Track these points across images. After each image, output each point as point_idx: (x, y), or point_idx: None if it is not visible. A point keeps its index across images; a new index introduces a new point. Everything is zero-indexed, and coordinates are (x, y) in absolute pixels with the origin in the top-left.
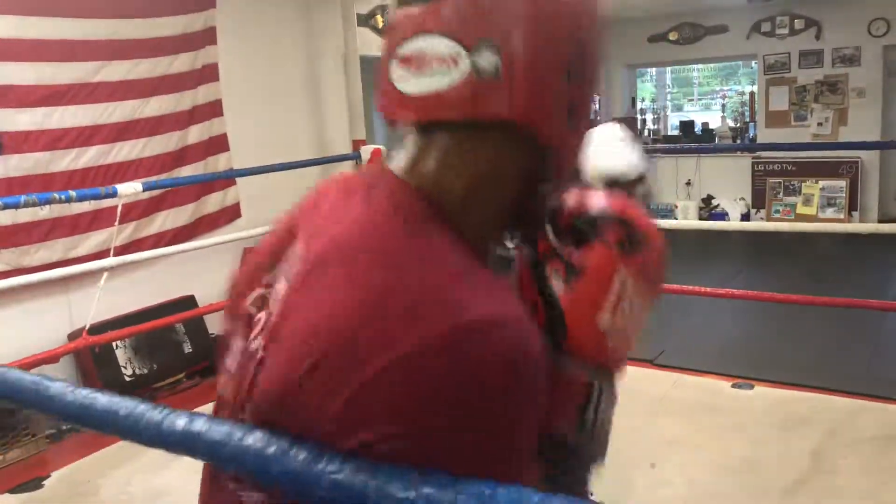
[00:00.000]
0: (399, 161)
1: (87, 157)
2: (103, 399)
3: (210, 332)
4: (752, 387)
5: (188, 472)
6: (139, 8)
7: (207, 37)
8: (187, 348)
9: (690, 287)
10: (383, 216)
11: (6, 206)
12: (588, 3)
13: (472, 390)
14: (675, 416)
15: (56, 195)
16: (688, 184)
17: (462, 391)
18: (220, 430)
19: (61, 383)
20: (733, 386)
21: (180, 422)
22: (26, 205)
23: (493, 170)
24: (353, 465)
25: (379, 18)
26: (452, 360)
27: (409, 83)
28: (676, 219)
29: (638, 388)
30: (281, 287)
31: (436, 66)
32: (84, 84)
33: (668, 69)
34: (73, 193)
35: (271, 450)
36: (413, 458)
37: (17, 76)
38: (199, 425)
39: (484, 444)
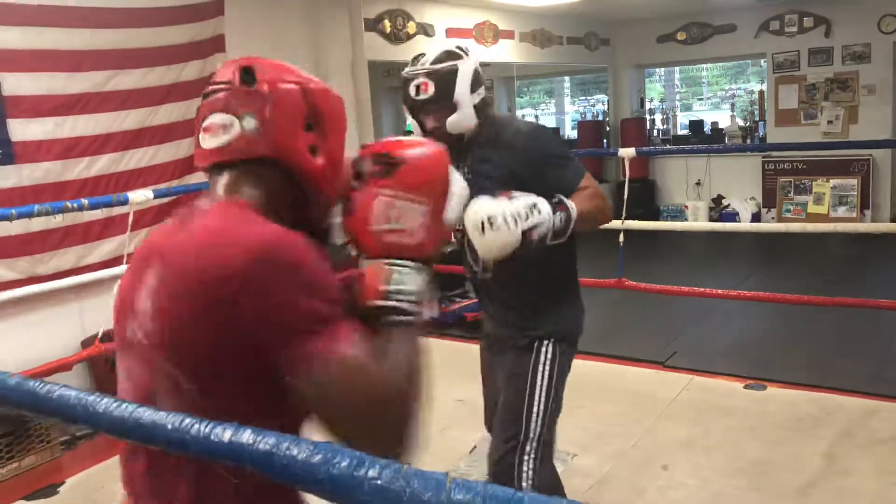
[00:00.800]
0: (218, 192)
1: (99, 165)
2: (150, 413)
3: None
4: (764, 388)
5: None
6: (149, 17)
7: (216, 44)
8: None
9: (702, 289)
10: (222, 208)
11: (20, 216)
12: (315, 82)
13: (274, 265)
14: (687, 418)
15: (69, 203)
16: (698, 184)
17: (270, 266)
18: (267, 441)
19: (109, 398)
20: (746, 387)
21: (227, 433)
22: (39, 214)
23: (273, 188)
24: (389, 472)
25: (386, 23)
26: (257, 251)
27: (208, 141)
28: (687, 219)
29: (649, 391)
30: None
31: (221, 130)
32: (95, 93)
33: (677, 69)
34: (85, 202)
35: (316, 458)
36: (258, 307)
37: (29, 86)
38: (246, 436)
39: (290, 291)
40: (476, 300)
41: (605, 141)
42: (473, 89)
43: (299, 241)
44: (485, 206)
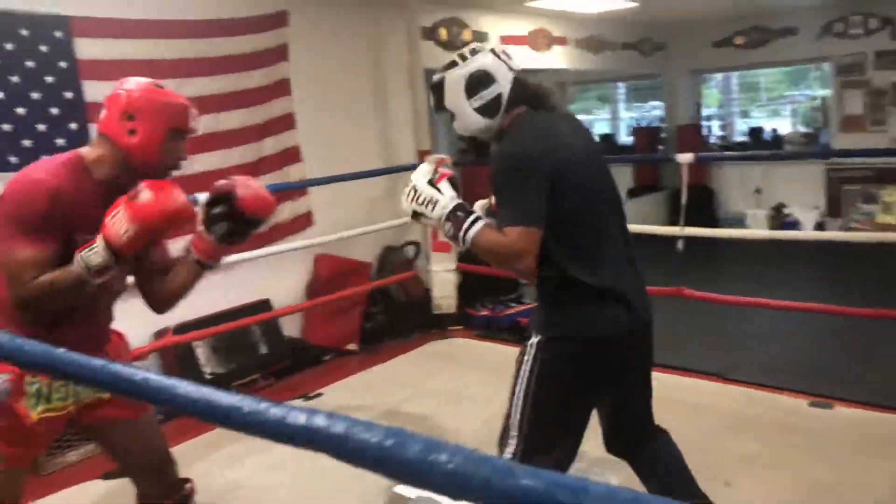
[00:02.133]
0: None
1: None
2: (227, 397)
3: (284, 334)
4: (831, 406)
5: (260, 469)
6: (217, 28)
7: (280, 53)
8: (263, 349)
9: (764, 299)
10: (53, 157)
11: None
12: (141, 90)
13: (20, 199)
14: (749, 434)
15: None
16: (757, 192)
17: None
18: (341, 425)
19: (187, 382)
20: (811, 405)
21: (301, 417)
22: None
23: (102, 151)
24: (461, 457)
25: (442, 31)
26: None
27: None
28: (748, 227)
29: (709, 403)
30: None
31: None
32: None
33: (734, 74)
34: None
35: (389, 443)
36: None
37: (105, 95)
38: (320, 421)
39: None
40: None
41: (661, 148)
42: (471, 94)
43: (39, 185)
44: (416, 175)
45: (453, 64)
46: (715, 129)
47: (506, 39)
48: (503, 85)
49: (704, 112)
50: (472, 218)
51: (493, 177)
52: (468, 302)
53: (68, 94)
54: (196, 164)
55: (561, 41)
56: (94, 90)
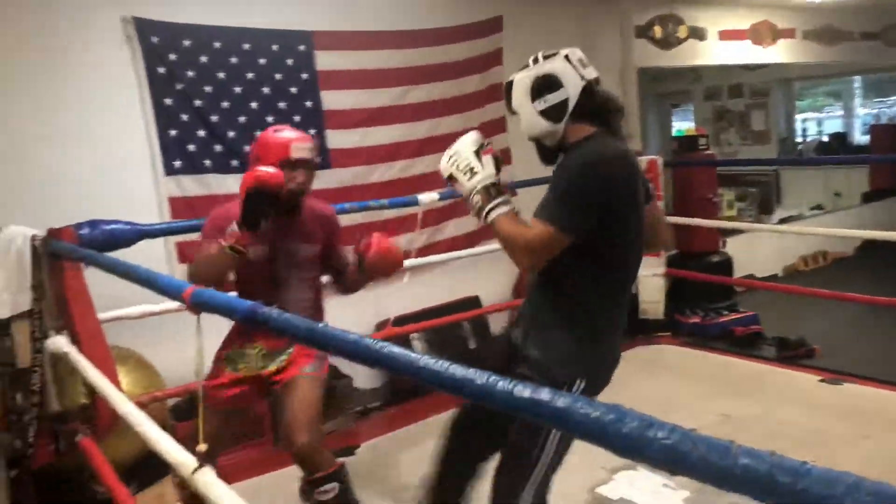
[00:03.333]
0: None
1: (395, 170)
2: (461, 370)
3: (491, 330)
4: None
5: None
6: (437, 36)
7: (494, 58)
8: (471, 344)
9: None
10: None
11: (336, 213)
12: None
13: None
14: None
15: (373, 203)
16: None
17: None
18: (564, 400)
19: (427, 357)
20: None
21: (527, 392)
22: (351, 211)
23: None
24: (679, 435)
25: (657, 29)
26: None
27: None
28: None
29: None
30: None
31: None
32: (393, 106)
33: None
34: (385, 202)
35: (609, 417)
36: None
37: (342, 102)
38: (545, 395)
39: None
40: (750, 314)
41: None
42: (536, 96)
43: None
44: (463, 141)
45: (525, 66)
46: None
47: (724, 35)
48: (570, 91)
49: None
50: (502, 198)
51: (558, 177)
52: (678, 308)
53: (308, 104)
54: (418, 165)
55: (788, 34)
56: (331, 99)
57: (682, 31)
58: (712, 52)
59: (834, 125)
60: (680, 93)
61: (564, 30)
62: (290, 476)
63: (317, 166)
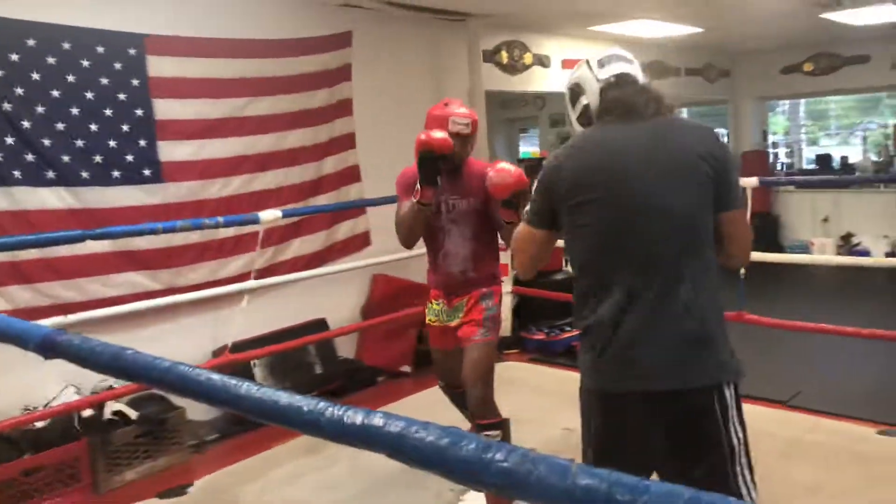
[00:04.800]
0: None
1: (234, 185)
2: (286, 397)
3: (339, 354)
4: None
5: (317, 487)
6: (283, 48)
7: (343, 74)
8: (318, 369)
9: (829, 325)
10: None
11: (165, 231)
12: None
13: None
14: (813, 462)
15: (207, 221)
16: (825, 220)
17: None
18: (397, 424)
19: (249, 383)
20: (879, 433)
21: (358, 417)
22: (182, 229)
23: None
24: (516, 456)
25: (503, 54)
26: None
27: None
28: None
29: (771, 430)
30: None
31: None
32: (233, 118)
33: (802, 101)
34: (220, 220)
35: (445, 441)
36: None
37: (177, 111)
38: (377, 420)
39: None
40: None
41: None
42: (572, 105)
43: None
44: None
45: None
46: (782, 156)
47: (567, 63)
48: (590, 96)
49: (771, 139)
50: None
51: None
52: (523, 325)
53: (139, 111)
54: (256, 182)
55: None
56: (164, 108)
57: (527, 58)
58: (555, 80)
59: None
60: (527, 118)
61: (415, 49)
62: None
63: (472, 135)
